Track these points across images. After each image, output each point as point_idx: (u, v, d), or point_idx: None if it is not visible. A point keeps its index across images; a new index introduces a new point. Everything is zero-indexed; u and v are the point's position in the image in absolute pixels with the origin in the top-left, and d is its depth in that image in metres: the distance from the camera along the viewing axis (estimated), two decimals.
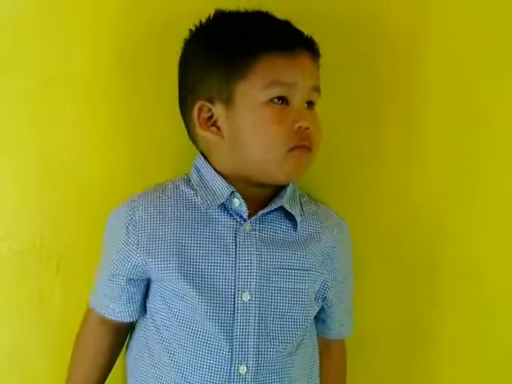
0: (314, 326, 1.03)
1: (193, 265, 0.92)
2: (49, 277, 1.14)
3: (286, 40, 0.93)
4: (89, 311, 1.04)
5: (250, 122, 0.92)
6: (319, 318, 1.04)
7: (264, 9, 0.97)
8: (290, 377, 0.95)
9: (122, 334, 1.04)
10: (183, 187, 0.97)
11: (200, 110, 0.95)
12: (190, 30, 0.99)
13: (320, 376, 1.05)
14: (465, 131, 1.17)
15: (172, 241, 0.93)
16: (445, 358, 1.21)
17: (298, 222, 0.96)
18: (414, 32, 1.15)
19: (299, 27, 0.97)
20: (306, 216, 0.98)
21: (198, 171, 0.98)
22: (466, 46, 1.15)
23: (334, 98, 1.09)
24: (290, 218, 0.96)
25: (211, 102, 0.94)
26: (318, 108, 0.98)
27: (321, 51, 0.98)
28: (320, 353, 1.05)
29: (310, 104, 0.96)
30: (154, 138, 1.12)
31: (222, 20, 0.97)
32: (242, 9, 0.97)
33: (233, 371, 0.91)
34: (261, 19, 0.96)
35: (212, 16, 0.97)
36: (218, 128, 0.94)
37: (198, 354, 0.92)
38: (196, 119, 0.95)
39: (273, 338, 0.93)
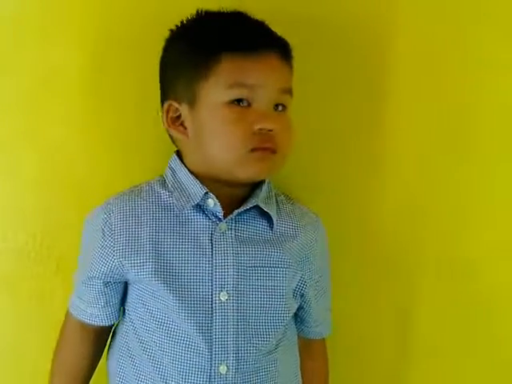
0: (293, 325, 1.03)
1: (169, 266, 0.92)
2: (49, 277, 1.15)
3: (249, 40, 0.92)
4: (68, 316, 1.04)
5: (209, 122, 0.93)
6: (298, 317, 1.04)
7: (244, 9, 0.97)
8: (272, 374, 0.95)
9: (102, 338, 1.04)
10: (158, 189, 0.98)
11: (168, 109, 0.96)
12: (170, 30, 0.99)
13: (302, 376, 1.05)
14: (446, 127, 1.15)
15: (148, 243, 0.93)
16: (434, 357, 1.20)
17: (274, 220, 0.96)
18: (388, 31, 1.13)
19: (279, 27, 0.96)
20: (283, 215, 0.99)
21: (173, 172, 0.98)
22: (438, 43, 1.14)
23: (316, 98, 1.11)
24: (266, 216, 0.96)
25: (179, 101, 0.95)
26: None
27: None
28: (301, 353, 1.05)
29: (280, 106, 0.95)
30: (152, 139, 1.12)
31: (194, 21, 0.97)
32: (225, 8, 0.97)
33: (213, 371, 0.91)
34: (231, 20, 0.96)
35: (191, 16, 0.98)
36: (185, 128, 0.95)
37: (178, 356, 0.92)
38: (165, 118, 0.97)
39: (252, 336, 0.93)
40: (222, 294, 0.92)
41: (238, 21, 0.96)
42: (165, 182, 0.99)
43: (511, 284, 1.18)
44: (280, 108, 0.95)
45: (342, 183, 1.16)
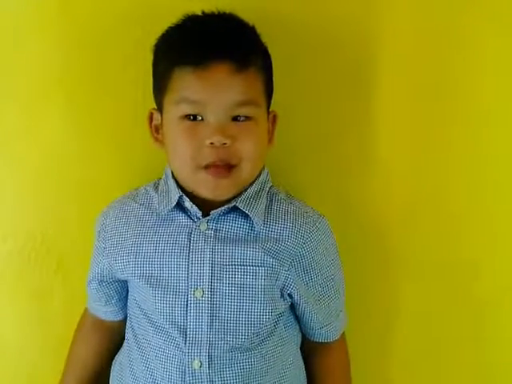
0: (292, 328, 1.02)
1: (149, 265, 0.96)
2: (49, 277, 1.15)
3: (196, 54, 0.90)
4: (85, 309, 1.10)
5: (168, 136, 0.95)
6: (299, 320, 1.04)
7: (235, 10, 0.96)
8: (251, 372, 0.95)
9: (114, 335, 1.07)
10: (151, 191, 1.01)
11: (151, 117, 0.99)
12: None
13: (315, 377, 1.05)
14: (440, 122, 1.13)
15: (131, 243, 0.97)
16: (426, 360, 1.19)
17: (255, 221, 0.95)
18: (377, 29, 1.11)
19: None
20: (274, 215, 0.97)
21: (166, 175, 1.01)
22: (426, 41, 1.12)
23: (309, 98, 1.11)
24: (249, 217, 0.96)
25: (157, 110, 0.98)
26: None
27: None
28: (315, 356, 1.06)
29: (242, 117, 0.92)
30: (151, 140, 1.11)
31: (168, 30, 0.97)
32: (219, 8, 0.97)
33: (187, 366, 0.94)
34: (193, 30, 0.93)
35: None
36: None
37: (161, 348, 0.95)
38: (148, 125, 1.00)
39: (226, 333, 0.94)
40: (197, 291, 0.94)
41: (197, 31, 0.93)
42: (158, 185, 1.01)
43: (507, 284, 1.17)
44: (242, 118, 0.92)
45: (333, 182, 1.15)
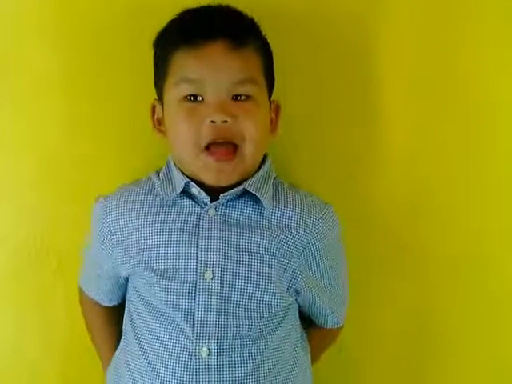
0: (295, 318, 1.02)
1: (154, 252, 0.94)
2: (49, 276, 1.15)
3: (192, 34, 0.91)
4: (79, 288, 1.11)
5: (169, 121, 0.95)
6: (309, 311, 1.04)
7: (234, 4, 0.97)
8: (255, 363, 0.94)
9: (111, 309, 1.08)
10: (154, 179, 1.00)
11: (153, 109, 1.00)
12: None
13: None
14: (437, 114, 1.15)
15: (135, 231, 0.96)
16: (448, 357, 1.20)
17: (265, 204, 0.95)
18: (378, 21, 1.12)
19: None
20: (281, 204, 0.97)
21: (168, 163, 1.01)
22: (426, 33, 1.13)
23: (311, 90, 1.11)
24: (259, 203, 0.96)
25: (159, 102, 0.99)
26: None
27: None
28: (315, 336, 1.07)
29: (242, 96, 0.93)
30: (150, 138, 1.10)
31: (170, 22, 0.98)
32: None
33: (195, 354, 0.92)
34: (189, 17, 0.95)
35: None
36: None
37: (163, 339, 0.94)
38: (150, 117, 1.00)
39: (235, 320, 0.93)
40: (206, 273, 0.92)
41: (194, 18, 0.95)
42: (160, 173, 1.01)
43: None
44: (242, 98, 0.93)
45: (338, 173, 1.15)
